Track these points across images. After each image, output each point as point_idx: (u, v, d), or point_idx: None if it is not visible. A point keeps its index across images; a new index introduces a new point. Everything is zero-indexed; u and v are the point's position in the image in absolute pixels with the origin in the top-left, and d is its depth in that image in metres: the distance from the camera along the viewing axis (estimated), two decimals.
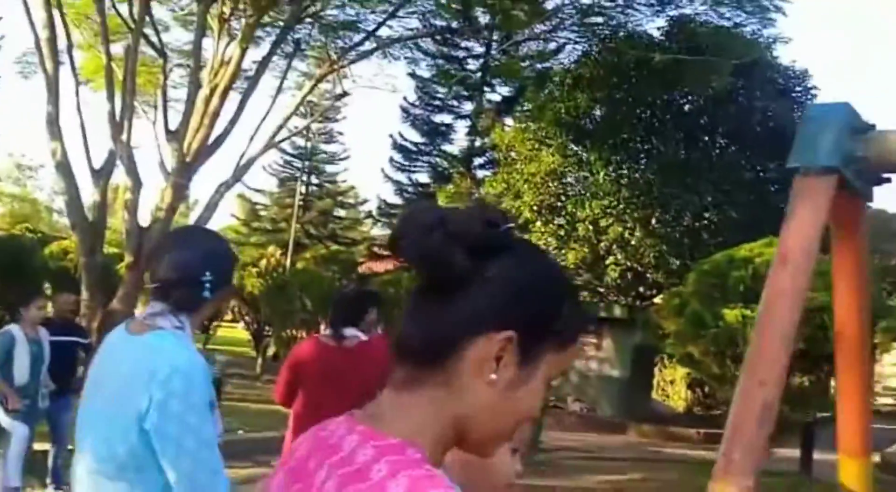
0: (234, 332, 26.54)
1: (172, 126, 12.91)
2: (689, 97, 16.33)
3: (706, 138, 16.53)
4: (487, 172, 22.37)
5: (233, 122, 13.34)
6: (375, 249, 25.95)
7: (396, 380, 0.87)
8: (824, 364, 10.93)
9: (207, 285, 1.83)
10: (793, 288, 1.08)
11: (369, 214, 28.44)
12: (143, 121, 15.23)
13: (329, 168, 35.91)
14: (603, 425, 13.46)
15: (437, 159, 24.88)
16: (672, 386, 16.52)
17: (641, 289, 17.11)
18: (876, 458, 12.32)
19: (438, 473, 0.81)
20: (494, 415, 0.86)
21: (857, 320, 1.37)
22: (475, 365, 0.84)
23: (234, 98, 13.61)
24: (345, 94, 18.09)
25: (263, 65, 14.08)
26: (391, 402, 0.87)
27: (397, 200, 25.59)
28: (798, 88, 17.02)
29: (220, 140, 13.20)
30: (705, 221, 15.55)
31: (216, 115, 12.96)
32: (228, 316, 27.45)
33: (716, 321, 9.41)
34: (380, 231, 28.59)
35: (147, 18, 12.69)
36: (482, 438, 0.88)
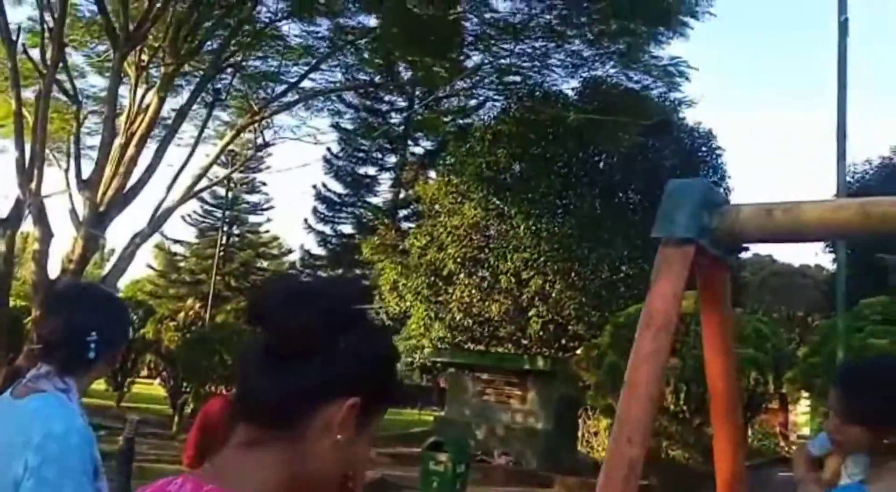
0: (150, 388, 25.44)
1: (86, 174, 12.54)
2: (603, 155, 17.01)
3: (620, 194, 17.18)
4: (412, 224, 22.55)
5: (149, 170, 13.06)
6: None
7: (241, 439, 0.91)
8: None
9: (93, 346, 1.76)
10: (656, 350, 1.16)
11: (293, 266, 28.07)
12: (54, 169, 14.73)
13: (251, 218, 35.50)
14: (529, 479, 13.42)
15: (362, 210, 24.94)
16: (596, 437, 16.68)
17: (563, 341, 17.39)
18: None
19: None
20: (331, 471, 0.93)
21: (726, 378, 1.46)
22: (324, 428, 0.90)
23: (151, 146, 13.36)
24: (266, 144, 17.99)
25: (182, 114, 13.91)
26: (237, 461, 0.90)
27: (321, 252, 25.42)
28: (704, 148, 17.99)
29: (136, 189, 12.87)
30: (622, 274, 16.04)
31: (132, 163, 12.66)
32: (144, 372, 26.35)
33: None
34: None
35: (61, 64, 12.41)
36: (317, 491, 0.94)
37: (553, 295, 16.19)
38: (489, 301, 17.08)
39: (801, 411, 28.03)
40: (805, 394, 12.16)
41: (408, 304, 18.20)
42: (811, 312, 27.29)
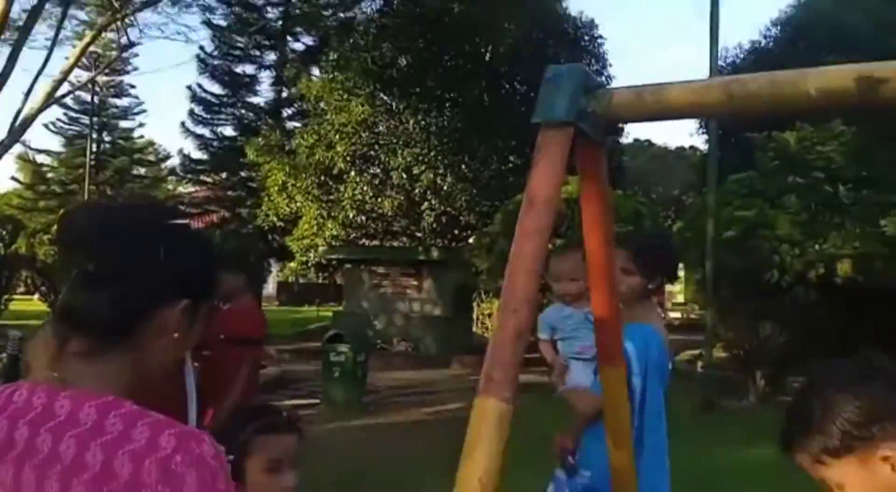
0: (29, 304, 24.29)
1: None
2: (489, 47, 16.90)
3: (507, 86, 17.25)
4: (297, 123, 21.87)
5: (3, 76, 11.97)
6: (183, 207, 24.61)
7: (79, 349, 0.99)
8: None
9: None
10: (537, 229, 1.25)
11: (172, 171, 26.81)
12: None
13: (122, 124, 33.28)
14: (427, 362, 14.02)
15: (243, 111, 23.85)
16: (490, 319, 17.47)
17: (456, 231, 17.77)
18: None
19: (166, 420, 0.95)
20: (170, 361, 1.06)
21: (604, 250, 1.59)
22: (158, 331, 1.01)
23: (3, 51, 12.18)
24: (131, 44, 16.72)
25: (34, 14, 12.68)
26: (81, 370, 0.98)
27: (202, 156, 24.31)
28: (587, 37, 18.17)
29: None
30: (510, 165, 16.37)
31: None
32: (21, 288, 25.03)
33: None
34: (186, 188, 27.12)
35: None
36: (157, 382, 1.06)
37: (445, 188, 16.39)
38: (382, 197, 17.10)
39: (677, 282, 30.29)
40: (679, 265, 13.10)
41: (298, 204, 17.95)
42: (686, 191, 28.98)
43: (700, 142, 26.67)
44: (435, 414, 9.37)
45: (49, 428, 0.93)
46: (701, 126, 19.37)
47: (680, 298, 31.19)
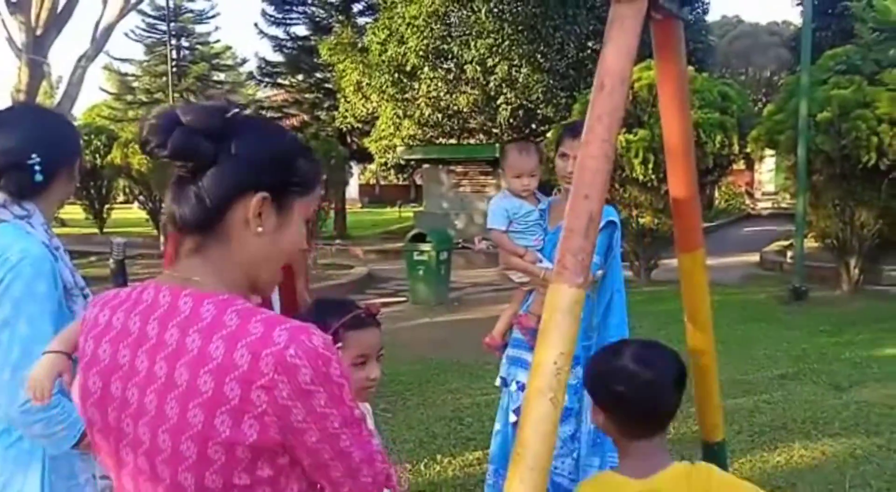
0: (129, 213, 25.60)
1: None
2: None
3: None
4: (368, 19, 21.46)
5: None
6: (263, 112, 24.94)
7: (187, 250, 1.09)
8: (706, 177, 11.69)
9: (38, 168, 1.69)
10: (609, 110, 1.20)
11: (251, 75, 27.01)
12: None
13: (198, 29, 33.54)
14: None
15: (314, 9, 23.53)
16: None
17: (533, 125, 17.40)
18: (756, 257, 13.57)
19: (266, 312, 1.02)
20: (269, 256, 1.11)
21: (681, 132, 1.52)
22: (241, 223, 1.07)
23: None
24: None
25: None
26: (191, 266, 1.08)
27: (278, 58, 24.34)
28: None
29: (70, 5, 12.04)
30: (588, 51, 15.69)
31: None
32: (120, 197, 26.33)
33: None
34: (266, 92, 27.37)
35: None
36: (267, 276, 1.13)
37: (520, 80, 15.93)
38: (456, 93, 16.80)
39: (766, 169, 29.00)
40: (769, 152, 12.49)
41: (374, 104, 17.87)
42: (779, 71, 27.17)
43: (795, 15, 24.76)
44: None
45: (176, 323, 1.03)
46: None
47: (770, 187, 29.93)
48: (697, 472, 1.44)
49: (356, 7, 22.97)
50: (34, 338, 1.59)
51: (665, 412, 1.48)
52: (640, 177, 9.87)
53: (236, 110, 1.08)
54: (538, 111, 16.51)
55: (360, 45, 18.54)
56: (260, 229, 1.07)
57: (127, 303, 1.09)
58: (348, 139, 21.27)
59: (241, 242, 1.07)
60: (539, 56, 15.80)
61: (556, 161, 2.81)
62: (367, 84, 17.64)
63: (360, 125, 19.32)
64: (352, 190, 32.17)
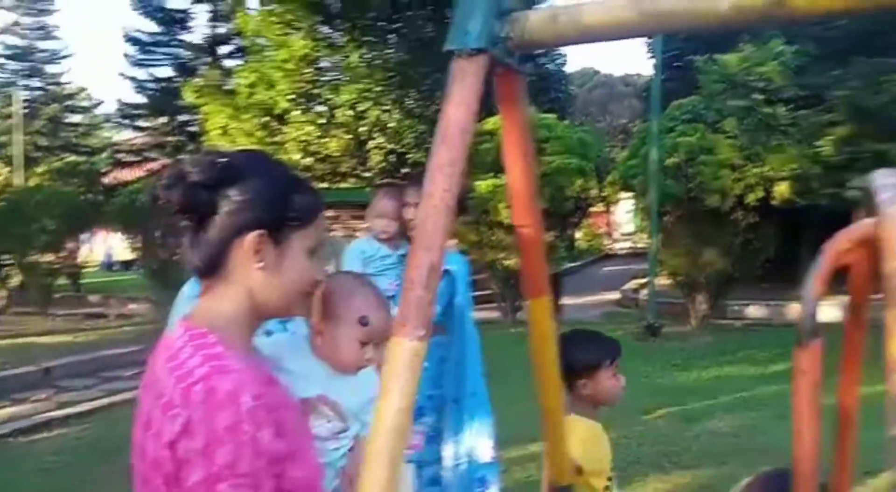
0: None
1: None
2: None
3: (450, 13, 16.82)
4: (236, 62, 21.11)
5: None
6: (121, 155, 23.76)
7: (203, 290, 1.19)
8: (568, 220, 12.20)
9: None
10: (451, 160, 1.21)
11: (108, 118, 25.72)
12: None
13: (50, 69, 31.71)
14: None
15: (179, 50, 22.90)
16: None
17: (405, 170, 17.59)
18: (616, 295, 14.21)
19: (229, 353, 1.10)
20: (274, 288, 1.18)
21: (525, 179, 1.56)
22: (243, 261, 1.16)
23: None
24: None
25: None
26: (204, 307, 1.18)
27: (140, 99, 23.40)
28: None
29: None
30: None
31: None
32: None
33: (469, 193, 10.00)
34: (124, 135, 26.14)
35: None
36: (276, 307, 1.20)
37: (391, 125, 16.12)
38: (327, 138, 16.75)
39: (624, 211, 30.69)
40: (626, 194, 13.24)
41: (241, 148, 17.49)
42: (633, 119, 29.09)
43: (647, 67, 26.71)
44: None
45: (164, 360, 1.12)
46: (649, 51, 19.32)
47: (628, 228, 31.64)
48: None
49: (223, 49, 22.57)
50: None
51: None
52: (506, 220, 10.17)
53: (226, 160, 1.17)
54: (409, 156, 16.72)
55: (226, 87, 18.16)
56: (261, 265, 1.16)
57: (160, 346, 1.18)
58: None
59: (245, 279, 1.16)
60: (410, 101, 16.07)
61: (402, 211, 2.83)
62: (233, 127, 17.25)
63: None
64: None
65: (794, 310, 10.05)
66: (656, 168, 9.69)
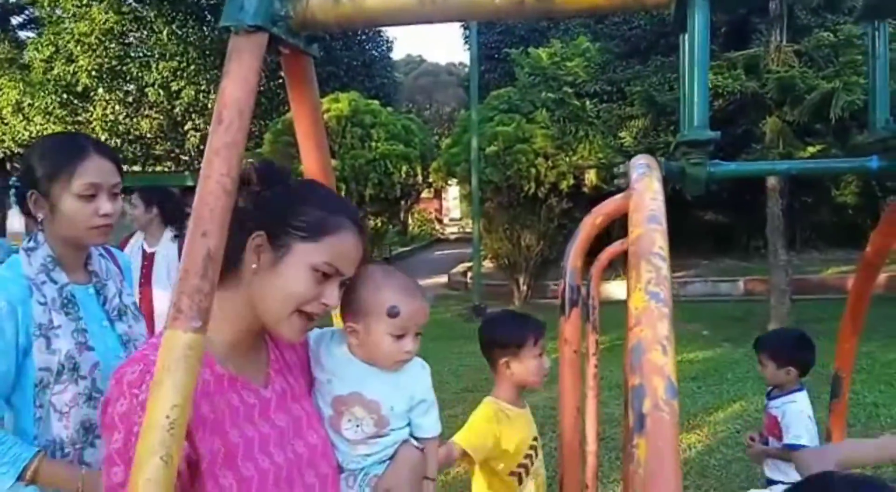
0: None
1: None
2: None
3: None
4: (31, 34, 19.14)
5: None
6: None
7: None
8: (398, 205, 12.29)
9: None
10: (228, 143, 1.15)
11: None
12: None
13: None
14: None
15: None
16: None
17: None
18: (445, 278, 14.58)
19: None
20: (270, 296, 1.18)
21: (320, 166, 1.54)
22: (248, 263, 1.17)
23: None
24: None
25: None
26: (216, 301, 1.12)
27: None
28: None
29: None
30: (280, 80, 15.68)
31: None
32: None
33: (298, 175, 9.75)
34: None
35: None
36: (272, 316, 1.19)
37: (209, 106, 15.38)
38: (138, 118, 15.70)
39: (452, 197, 31.53)
40: (452, 181, 13.59)
41: (39, 127, 15.93)
42: (458, 108, 29.83)
43: (468, 57, 27.45)
44: None
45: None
46: (466, 42, 19.85)
47: (456, 214, 32.53)
48: None
49: (16, 20, 20.34)
50: None
51: None
52: None
53: (250, 160, 1.19)
54: None
55: (20, 61, 16.43)
56: (254, 266, 1.16)
57: None
58: (7, 166, 18.66)
59: (246, 284, 1.18)
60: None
61: None
62: (28, 104, 15.67)
63: (21, 150, 17.05)
64: (15, 223, 28.12)
65: (604, 288, 10.84)
66: (476, 156, 10.01)
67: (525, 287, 11.07)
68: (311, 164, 1.56)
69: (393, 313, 1.38)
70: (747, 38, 9.33)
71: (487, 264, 11.74)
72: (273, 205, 1.18)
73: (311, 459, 1.28)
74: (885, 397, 5.70)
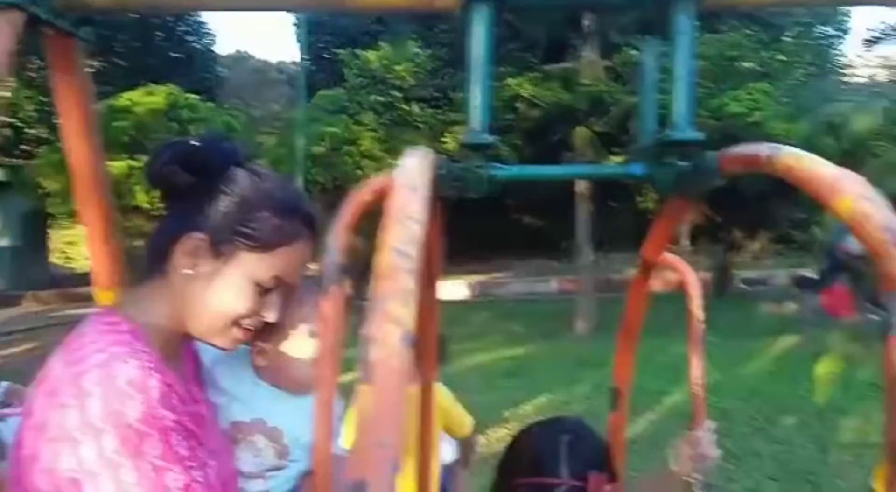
0: None
1: None
2: None
3: None
4: None
5: None
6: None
7: (137, 277, 1.07)
8: None
9: None
10: None
11: None
12: None
13: None
14: None
15: None
16: (72, 247, 15.77)
17: (24, 147, 15.39)
18: None
19: (137, 344, 0.94)
20: (200, 306, 1.01)
21: (91, 161, 1.43)
22: (178, 262, 1.00)
23: None
24: None
25: None
26: (133, 295, 1.05)
27: None
28: None
29: None
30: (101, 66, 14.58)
31: None
32: None
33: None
34: None
35: None
36: (198, 326, 1.03)
37: (7, 95, 13.95)
38: None
39: None
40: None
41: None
42: (288, 107, 29.17)
43: (298, 56, 26.98)
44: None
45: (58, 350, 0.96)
46: (297, 40, 19.52)
47: None
48: None
49: None
50: None
51: None
52: (146, 205, 9.50)
53: (234, 150, 1.07)
54: (30, 130, 14.69)
55: None
56: (187, 271, 1.00)
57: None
58: None
59: (176, 283, 1.01)
60: (30, 70, 14.10)
61: None
62: None
63: None
64: None
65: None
66: (301, 156, 9.86)
67: (350, 290, 11.06)
68: (81, 156, 1.45)
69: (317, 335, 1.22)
70: (564, 53, 9.94)
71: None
72: (219, 203, 1.01)
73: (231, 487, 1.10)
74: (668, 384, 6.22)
